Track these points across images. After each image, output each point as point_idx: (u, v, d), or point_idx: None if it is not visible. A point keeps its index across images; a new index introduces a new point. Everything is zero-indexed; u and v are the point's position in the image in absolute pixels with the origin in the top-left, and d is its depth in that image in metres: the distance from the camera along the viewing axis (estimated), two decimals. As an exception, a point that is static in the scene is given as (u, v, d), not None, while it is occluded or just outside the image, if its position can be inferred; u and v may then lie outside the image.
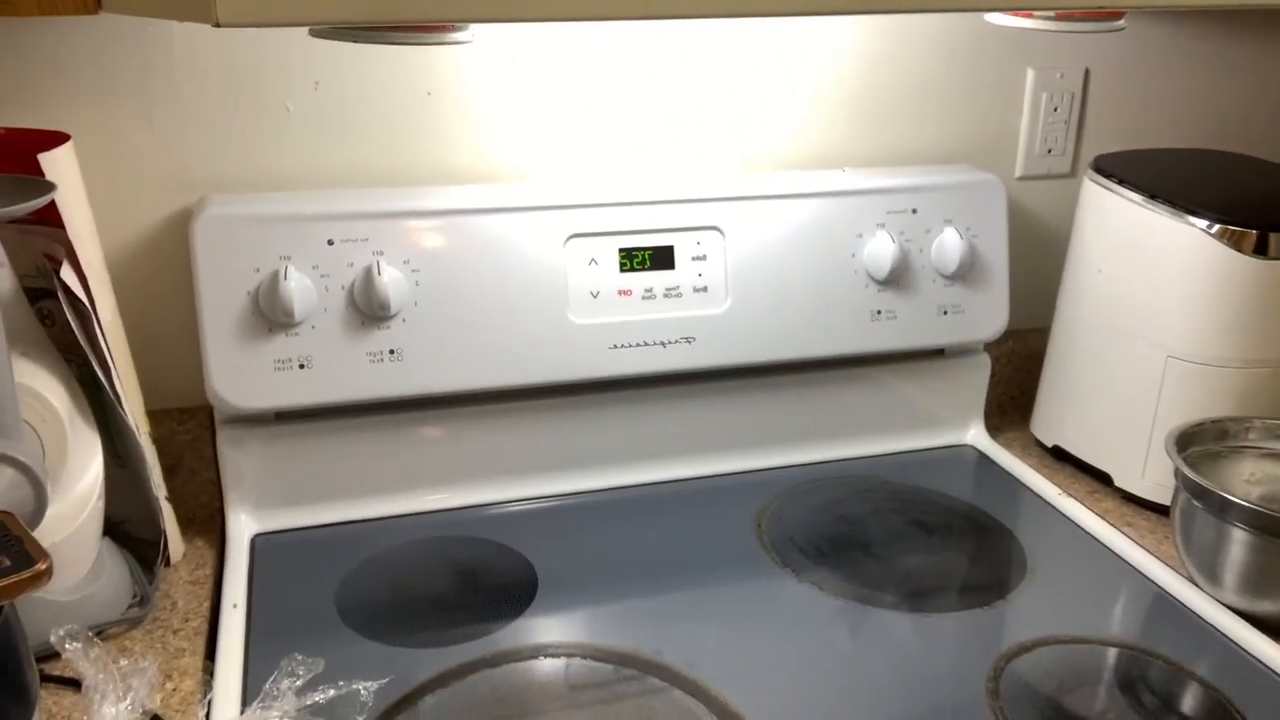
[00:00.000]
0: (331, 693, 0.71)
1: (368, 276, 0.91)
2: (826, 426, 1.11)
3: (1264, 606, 0.86)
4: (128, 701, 0.67)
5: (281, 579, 0.90)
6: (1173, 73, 1.21)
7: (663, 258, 1.00)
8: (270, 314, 0.89)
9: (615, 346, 0.99)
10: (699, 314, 1.01)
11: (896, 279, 1.06)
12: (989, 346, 1.16)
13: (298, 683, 0.70)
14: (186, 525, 0.95)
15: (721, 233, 1.01)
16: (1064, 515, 1.03)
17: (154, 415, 0.93)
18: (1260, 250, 0.94)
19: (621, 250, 0.99)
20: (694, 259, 1.01)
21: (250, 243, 0.89)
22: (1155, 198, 0.98)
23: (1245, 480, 0.97)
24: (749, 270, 1.02)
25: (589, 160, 1.05)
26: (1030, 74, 1.15)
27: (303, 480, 0.97)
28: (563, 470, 1.04)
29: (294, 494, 0.97)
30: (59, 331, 0.80)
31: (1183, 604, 0.90)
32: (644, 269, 0.99)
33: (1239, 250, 0.94)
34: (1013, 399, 1.23)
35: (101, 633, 0.79)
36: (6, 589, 0.54)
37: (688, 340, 1.01)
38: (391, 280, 0.91)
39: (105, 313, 0.83)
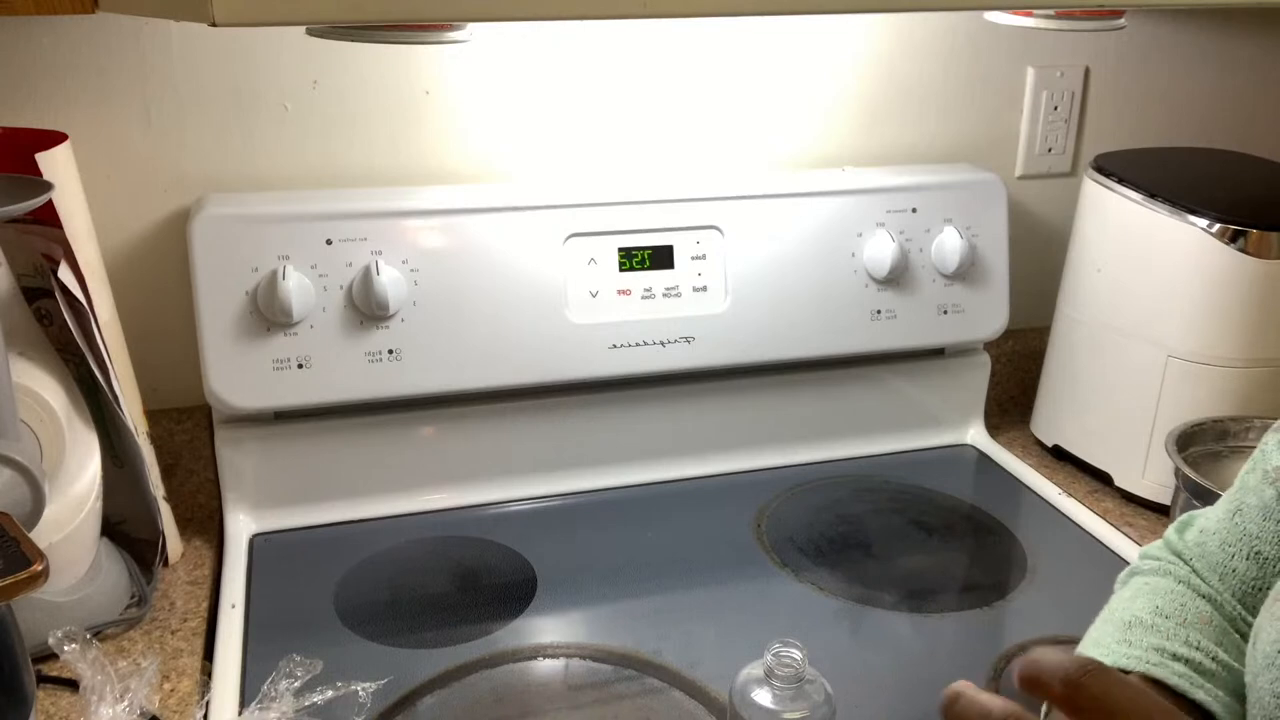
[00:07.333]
0: (330, 694, 0.71)
1: (366, 276, 0.90)
2: (826, 426, 1.11)
3: (1264, 606, 0.86)
4: (125, 702, 0.67)
5: (280, 579, 0.90)
6: (1173, 72, 1.21)
7: (662, 257, 1.00)
8: (269, 314, 0.89)
9: (614, 346, 0.99)
10: (698, 314, 1.01)
11: (896, 278, 1.05)
12: (989, 346, 1.16)
13: (296, 684, 0.70)
14: (185, 525, 0.95)
15: (721, 232, 1.01)
16: (1064, 515, 1.03)
17: (152, 415, 0.93)
18: (1260, 250, 0.93)
19: (621, 250, 0.99)
20: (693, 258, 1.01)
21: (248, 242, 0.89)
22: (1155, 197, 0.98)
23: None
24: (749, 270, 1.02)
25: (588, 159, 1.05)
26: (1030, 73, 1.15)
27: (301, 480, 0.97)
28: (562, 470, 1.04)
29: (292, 494, 0.97)
30: (57, 331, 0.79)
31: (1183, 604, 0.90)
32: (643, 268, 0.99)
33: (1239, 250, 0.94)
34: (1013, 399, 1.23)
35: (99, 633, 0.79)
36: (3, 590, 0.54)
37: (687, 340, 1.01)
38: (390, 280, 0.91)
39: (103, 312, 0.83)
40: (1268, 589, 0.61)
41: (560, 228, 0.97)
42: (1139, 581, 0.66)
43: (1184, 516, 0.68)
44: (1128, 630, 0.61)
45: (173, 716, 0.73)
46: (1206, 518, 0.66)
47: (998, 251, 1.09)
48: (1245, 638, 0.61)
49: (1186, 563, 0.65)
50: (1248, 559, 0.62)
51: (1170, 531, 0.68)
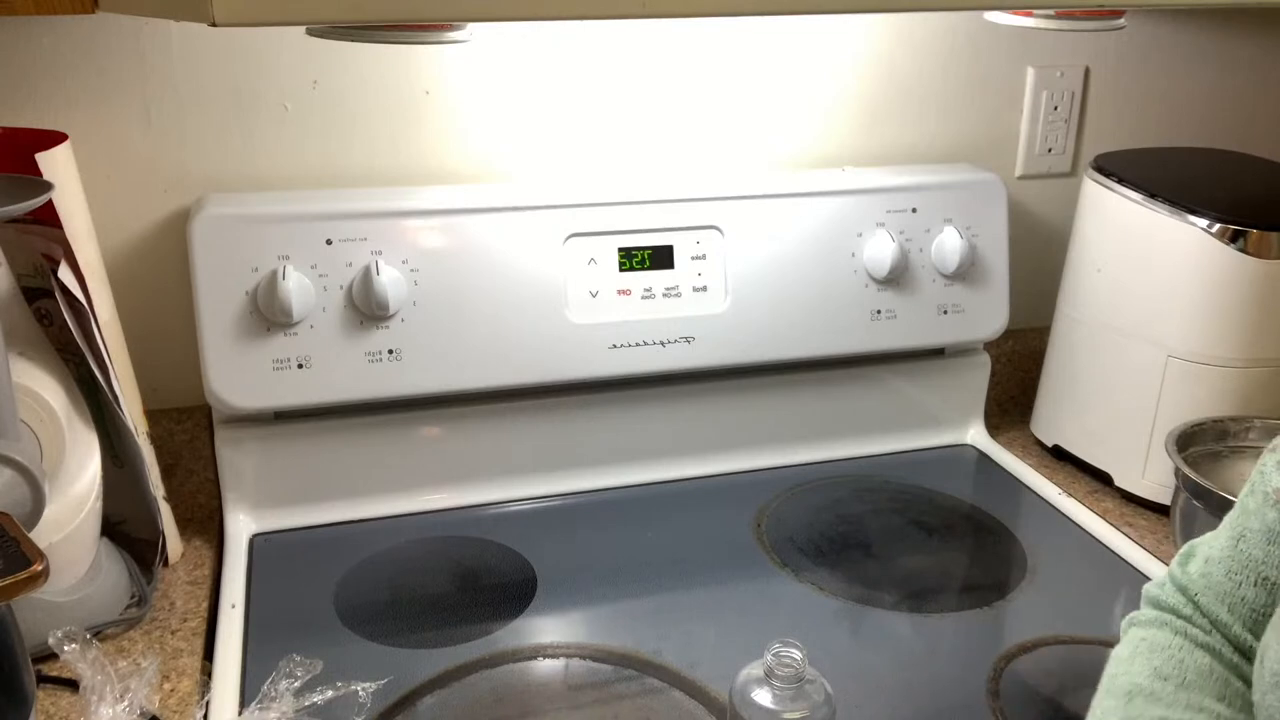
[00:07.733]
0: (330, 694, 0.71)
1: (366, 276, 0.90)
2: (826, 426, 1.11)
3: (1264, 606, 0.86)
4: (125, 702, 0.67)
5: (280, 579, 0.90)
6: (1173, 72, 1.21)
7: (662, 257, 1.00)
8: (269, 314, 0.89)
9: (614, 346, 0.99)
10: (698, 314, 1.01)
11: (896, 278, 1.05)
12: (989, 346, 1.16)
13: (296, 684, 0.70)
14: (185, 525, 0.95)
15: (721, 232, 1.01)
16: (1064, 515, 1.03)
17: (152, 415, 0.93)
18: (1260, 250, 0.93)
19: (621, 250, 0.99)
20: (693, 258, 1.01)
21: (248, 242, 0.89)
22: (1155, 197, 0.98)
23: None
24: (749, 270, 1.02)
25: (588, 159, 1.05)
26: (1030, 73, 1.15)
27: (301, 480, 0.97)
28: (562, 470, 1.04)
29: (292, 494, 0.97)
30: (57, 331, 0.79)
31: (1183, 604, 0.90)
32: (643, 268, 0.99)
33: (1239, 250, 0.94)
34: (1013, 399, 1.23)
35: (99, 633, 0.79)
36: (3, 590, 0.54)
37: (687, 340, 1.01)
38: (390, 280, 0.91)
39: (103, 312, 0.83)
40: None
41: (560, 228, 0.97)
42: (1136, 637, 0.65)
43: (1186, 547, 0.67)
44: (1129, 703, 0.60)
45: (173, 716, 0.73)
46: (1209, 546, 0.65)
47: (998, 251, 1.09)
48: (1247, 682, 0.60)
49: (1191, 599, 0.64)
50: (1255, 586, 0.61)
51: (1174, 565, 0.67)
